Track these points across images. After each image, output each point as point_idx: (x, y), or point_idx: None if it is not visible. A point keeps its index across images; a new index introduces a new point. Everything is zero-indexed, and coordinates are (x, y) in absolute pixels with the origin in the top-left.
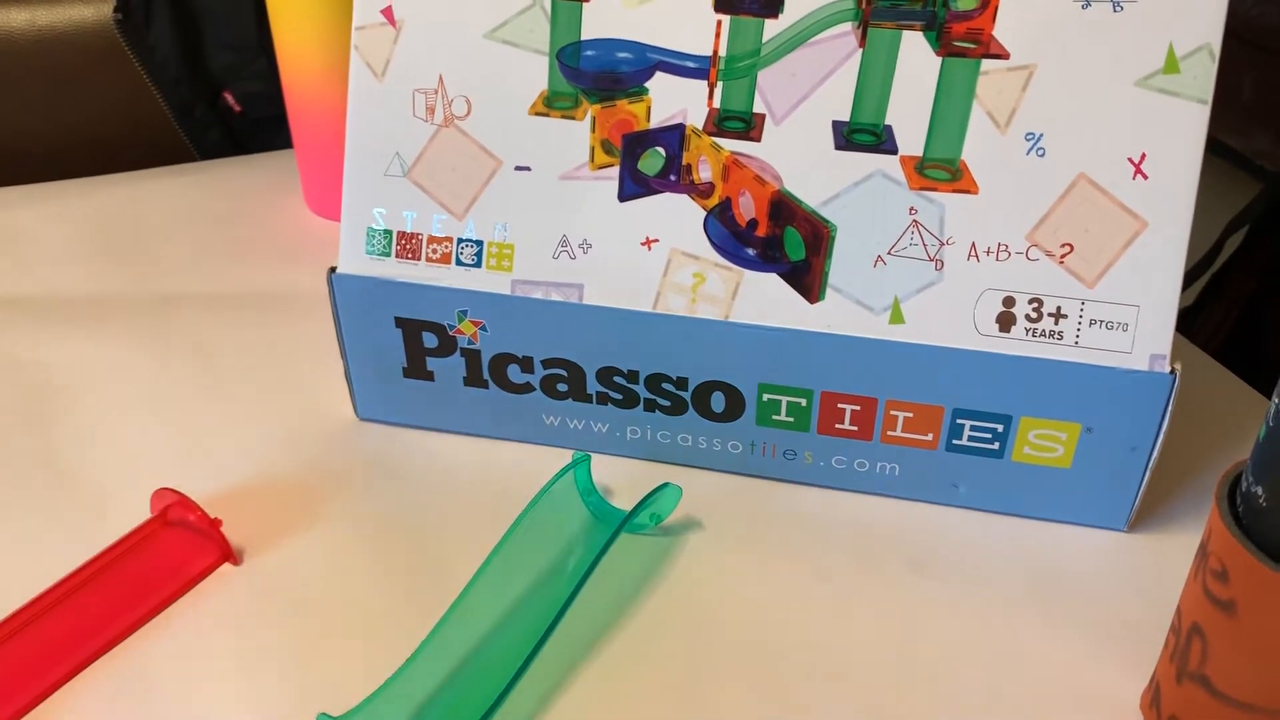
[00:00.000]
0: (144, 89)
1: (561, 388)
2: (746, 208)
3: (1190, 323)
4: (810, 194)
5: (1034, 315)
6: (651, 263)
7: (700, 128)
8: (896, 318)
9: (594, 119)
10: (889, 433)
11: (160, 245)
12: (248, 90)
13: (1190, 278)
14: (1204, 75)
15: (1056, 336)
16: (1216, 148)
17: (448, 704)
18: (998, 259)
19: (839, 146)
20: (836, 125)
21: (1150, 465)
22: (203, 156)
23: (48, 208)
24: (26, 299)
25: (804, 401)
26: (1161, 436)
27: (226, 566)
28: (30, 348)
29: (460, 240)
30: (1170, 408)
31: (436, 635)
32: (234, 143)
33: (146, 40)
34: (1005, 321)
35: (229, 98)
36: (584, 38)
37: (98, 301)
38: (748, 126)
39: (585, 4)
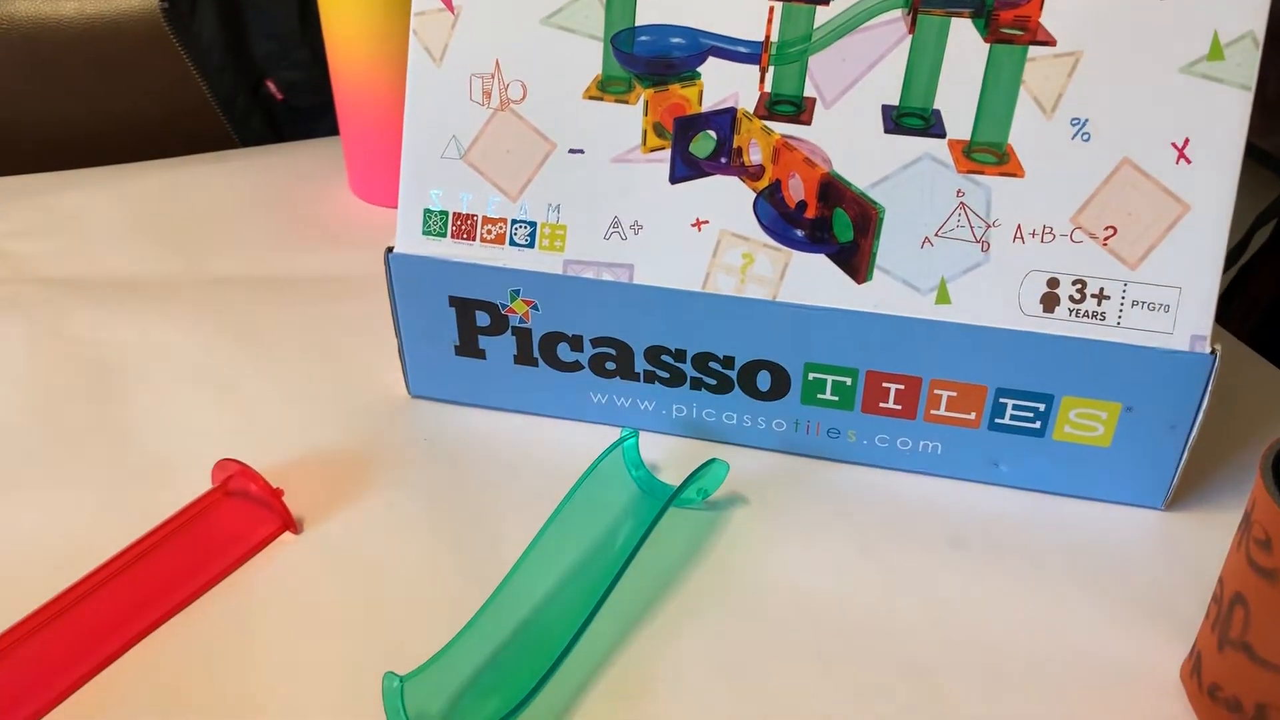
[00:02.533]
0: (188, 77)
1: (610, 366)
2: (796, 189)
3: (1219, 314)
4: (859, 176)
5: (1077, 296)
6: (701, 243)
7: (751, 111)
8: (943, 298)
9: (647, 103)
10: (932, 411)
11: (208, 229)
12: (289, 79)
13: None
14: (1248, 62)
15: (1099, 317)
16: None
17: (506, 667)
18: (1042, 241)
19: (888, 130)
20: (886, 109)
21: (1189, 444)
22: (244, 144)
23: (97, 192)
24: (82, 280)
25: (849, 381)
26: (1201, 416)
27: (287, 535)
28: (90, 327)
29: (514, 221)
30: (1209, 388)
31: (494, 602)
32: (275, 131)
33: (191, 29)
34: (1049, 302)
35: (271, 86)
36: (638, 23)
37: (151, 283)
38: (798, 110)
39: None
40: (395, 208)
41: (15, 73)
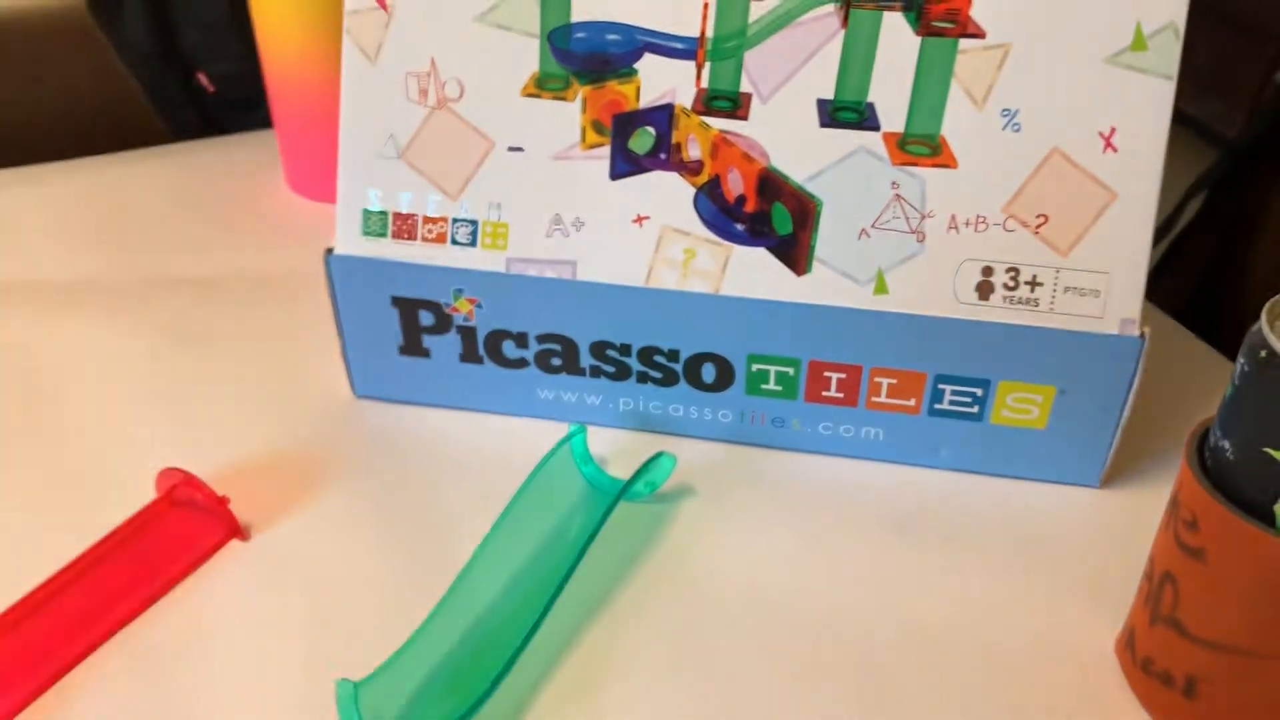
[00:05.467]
0: (116, 70)
1: (556, 362)
2: (735, 184)
3: (1153, 286)
4: (796, 170)
5: (1011, 284)
6: (643, 239)
7: (689, 107)
8: (880, 288)
9: (585, 100)
10: (873, 399)
11: (142, 228)
12: (221, 71)
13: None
14: (1169, 52)
15: (1032, 304)
16: (1174, 115)
17: (460, 668)
18: (976, 230)
19: (824, 124)
20: (821, 104)
21: (1121, 424)
22: (178, 137)
23: (25, 190)
24: (11, 283)
25: (791, 371)
26: (1132, 397)
27: (235, 542)
28: (18, 330)
29: (456, 220)
30: (1140, 369)
31: (446, 603)
32: (208, 123)
33: (118, 21)
34: (984, 290)
35: (203, 79)
36: (574, 20)
37: (84, 285)
38: (735, 105)
39: None
40: (333, 203)
41: None
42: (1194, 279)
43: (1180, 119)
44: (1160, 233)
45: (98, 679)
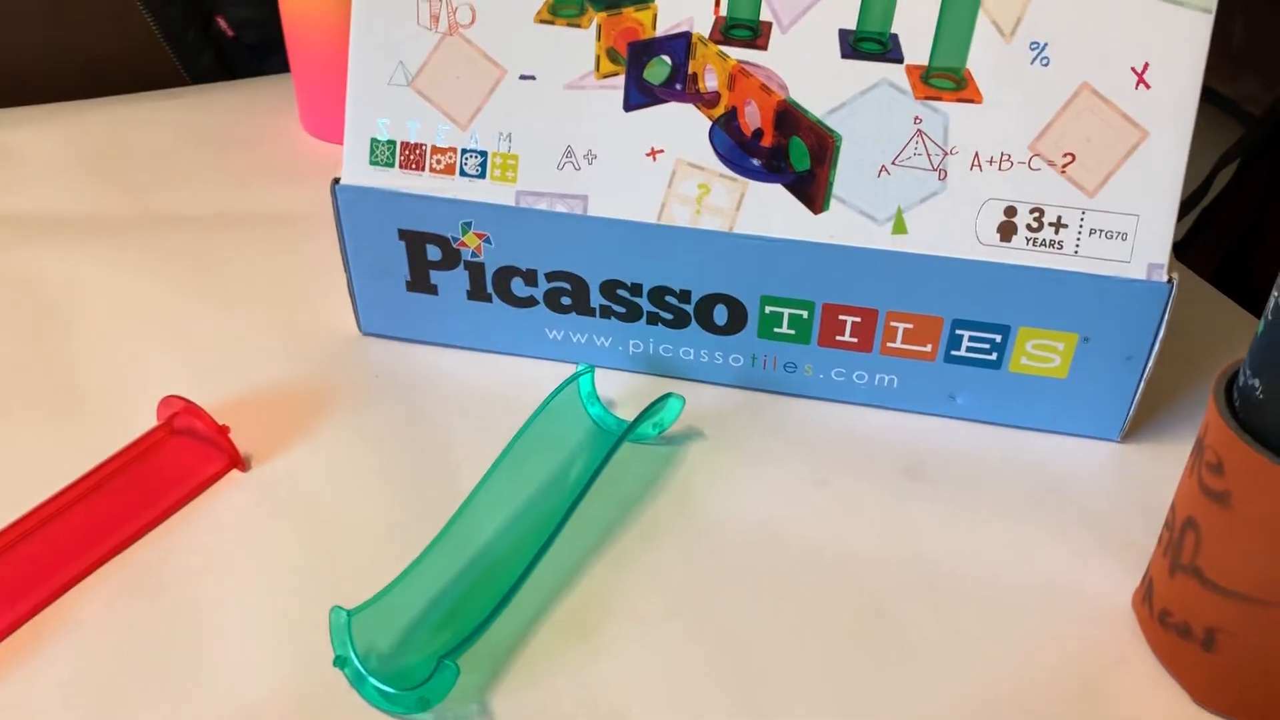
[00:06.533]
0: (135, 11)
1: (565, 301)
2: (752, 117)
3: (1181, 256)
4: (816, 103)
5: (1035, 225)
6: (656, 174)
7: (706, 36)
8: (899, 228)
9: (600, 27)
10: (889, 344)
11: (156, 166)
12: (240, 15)
13: (1181, 213)
14: None
15: (1056, 246)
16: (1206, 94)
17: (456, 601)
18: (1000, 169)
19: (845, 55)
20: (843, 34)
21: (1145, 375)
22: (196, 82)
23: (41, 129)
24: (20, 217)
25: (805, 314)
26: (1157, 346)
27: (234, 473)
28: (27, 264)
29: (465, 150)
30: (1166, 317)
31: (445, 536)
32: (226, 68)
33: None
34: (1006, 231)
35: (221, 22)
36: None
37: (95, 221)
38: (754, 35)
39: None
40: None
41: None
42: (1222, 249)
43: (1213, 98)
44: (1189, 204)
45: (96, 598)
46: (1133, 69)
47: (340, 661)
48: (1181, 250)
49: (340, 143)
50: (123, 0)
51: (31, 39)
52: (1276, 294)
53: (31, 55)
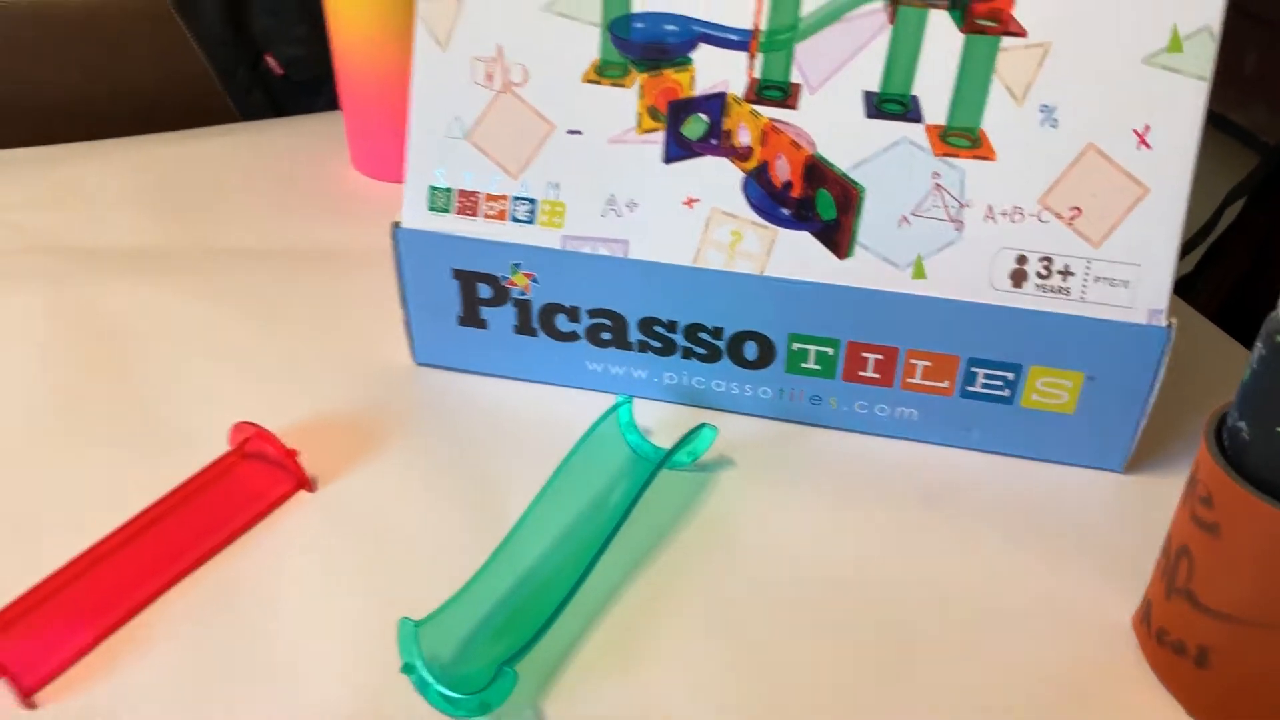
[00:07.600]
0: (189, 50)
1: (605, 336)
2: (782, 170)
3: (1189, 289)
4: (841, 158)
5: (1044, 272)
6: (693, 221)
7: (740, 96)
8: (919, 273)
9: (642, 87)
10: (909, 380)
11: (212, 201)
12: (288, 54)
13: (1189, 246)
14: (1204, 54)
15: (1064, 292)
16: (1217, 122)
17: (510, 615)
18: (1012, 220)
19: (869, 115)
20: (867, 95)
21: (1146, 412)
22: (245, 117)
23: (104, 163)
24: (90, 248)
25: (831, 350)
26: (1158, 385)
27: (302, 493)
28: (101, 297)
29: (516, 198)
30: (1166, 358)
31: (498, 556)
32: (274, 105)
33: (195, 5)
34: (1018, 278)
35: (271, 61)
36: (634, 11)
37: (158, 254)
38: (785, 95)
39: None
40: (397, 182)
41: (24, 47)
42: (1230, 282)
43: (1224, 126)
44: (1199, 237)
45: (171, 616)
46: (1134, 130)
47: (408, 669)
48: (1190, 282)
49: (389, 180)
50: (180, 39)
51: (93, 76)
52: (1260, 345)
53: (92, 94)
